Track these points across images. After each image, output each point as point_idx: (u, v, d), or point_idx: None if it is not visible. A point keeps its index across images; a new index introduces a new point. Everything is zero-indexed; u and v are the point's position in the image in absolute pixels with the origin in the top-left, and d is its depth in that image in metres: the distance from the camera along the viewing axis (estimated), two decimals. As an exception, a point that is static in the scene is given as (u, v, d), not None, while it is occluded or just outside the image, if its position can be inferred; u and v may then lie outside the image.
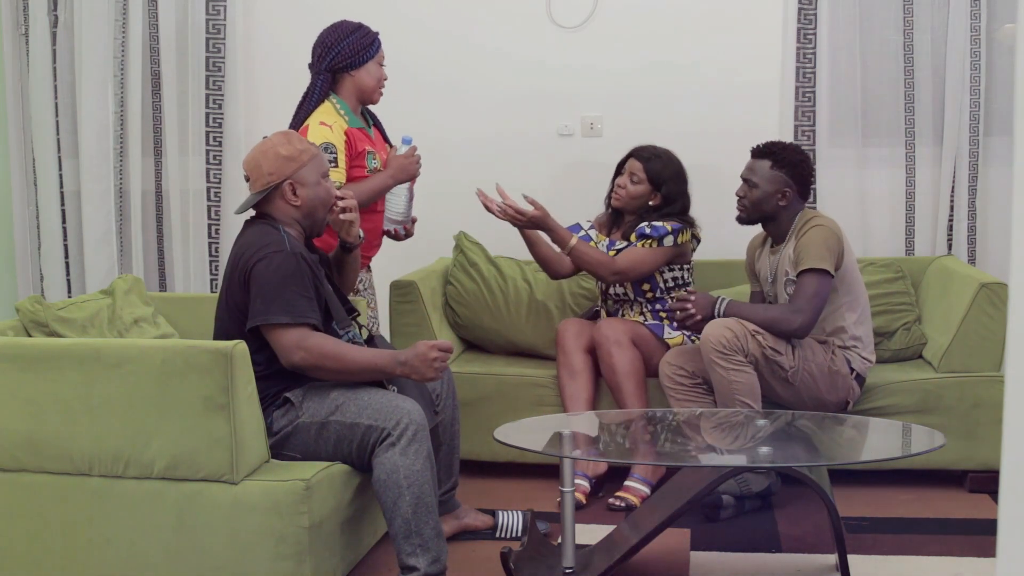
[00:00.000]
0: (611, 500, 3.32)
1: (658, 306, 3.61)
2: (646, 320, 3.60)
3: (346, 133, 3.22)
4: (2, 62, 4.40)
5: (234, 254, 2.69)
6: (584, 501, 3.32)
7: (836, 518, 2.59)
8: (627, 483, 3.37)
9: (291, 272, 2.58)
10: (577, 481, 3.36)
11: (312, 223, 2.78)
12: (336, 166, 3.15)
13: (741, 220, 3.39)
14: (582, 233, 3.69)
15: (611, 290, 3.65)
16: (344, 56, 3.25)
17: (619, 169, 3.67)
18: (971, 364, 3.41)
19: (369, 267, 3.50)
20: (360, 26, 3.31)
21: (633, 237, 3.54)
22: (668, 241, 3.50)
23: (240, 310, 2.64)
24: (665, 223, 3.51)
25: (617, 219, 3.70)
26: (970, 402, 3.38)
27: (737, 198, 3.37)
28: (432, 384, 2.92)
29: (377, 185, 3.24)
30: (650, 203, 3.58)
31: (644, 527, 2.62)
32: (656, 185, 3.56)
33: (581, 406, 3.43)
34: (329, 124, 3.19)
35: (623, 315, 3.65)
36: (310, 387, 2.65)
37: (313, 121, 3.20)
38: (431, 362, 2.59)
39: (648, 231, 3.50)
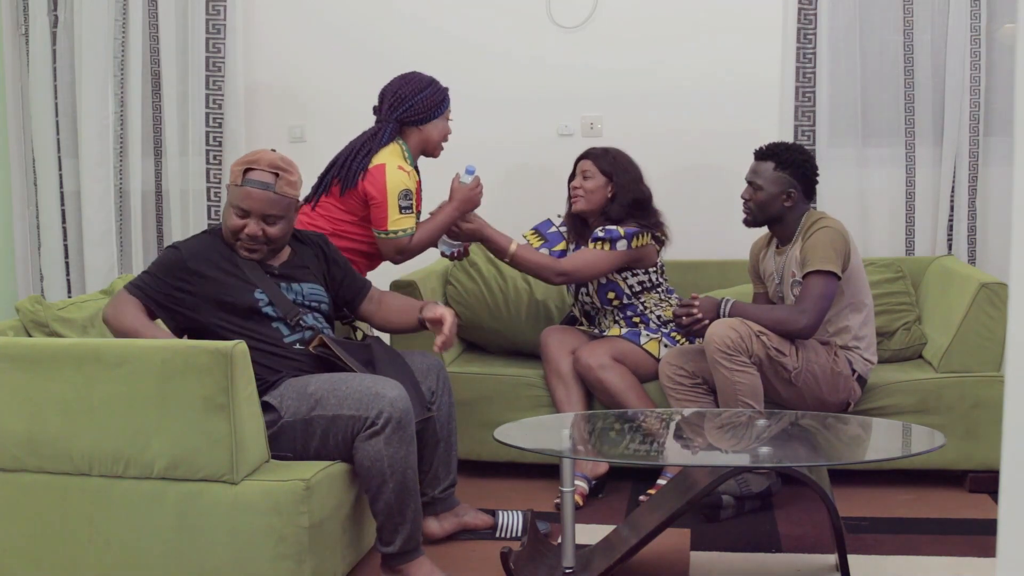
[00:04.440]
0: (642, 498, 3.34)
1: (629, 312, 3.60)
2: (621, 328, 3.60)
3: (417, 185, 3.32)
4: (2, 62, 4.40)
5: None
6: (581, 503, 3.32)
7: (836, 518, 2.59)
8: (660, 481, 3.37)
9: (160, 261, 2.77)
10: (576, 483, 3.36)
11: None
12: (412, 212, 3.24)
13: (748, 223, 3.39)
14: (552, 229, 3.72)
15: (579, 297, 3.66)
16: (417, 111, 3.31)
17: (571, 176, 3.68)
18: (971, 364, 3.41)
19: None
20: (433, 81, 3.36)
21: (590, 244, 3.53)
22: (621, 245, 3.47)
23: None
24: (619, 227, 3.49)
25: (583, 229, 3.67)
26: (970, 402, 3.38)
27: (743, 201, 3.37)
28: (428, 382, 2.93)
29: (446, 220, 3.34)
30: (607, 196, 3.58)
31: (644, 527, 2.62)
32: (608, 176, 3.57)
33: (574, 409, 3.43)
34: (407, 170, 3.25)
35: (599, 322, 3.66)
36: (287, 386, 2.66)
37: (391, 163, 3.23)
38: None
39: (601, 234, 3.49)
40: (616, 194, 3.56)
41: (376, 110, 3.37)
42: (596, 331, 3.67)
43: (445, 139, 3.41)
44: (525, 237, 3.75)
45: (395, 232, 3.23)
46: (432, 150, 3.40)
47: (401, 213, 3.21)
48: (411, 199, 3.23)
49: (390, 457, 2.54)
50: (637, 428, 3.01)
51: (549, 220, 3.76)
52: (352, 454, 2.60)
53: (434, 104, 3.32)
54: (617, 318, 3.61)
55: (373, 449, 2.54)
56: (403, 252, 3.28)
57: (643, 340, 3.52)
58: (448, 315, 2.87)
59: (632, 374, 3.43)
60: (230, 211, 2.78)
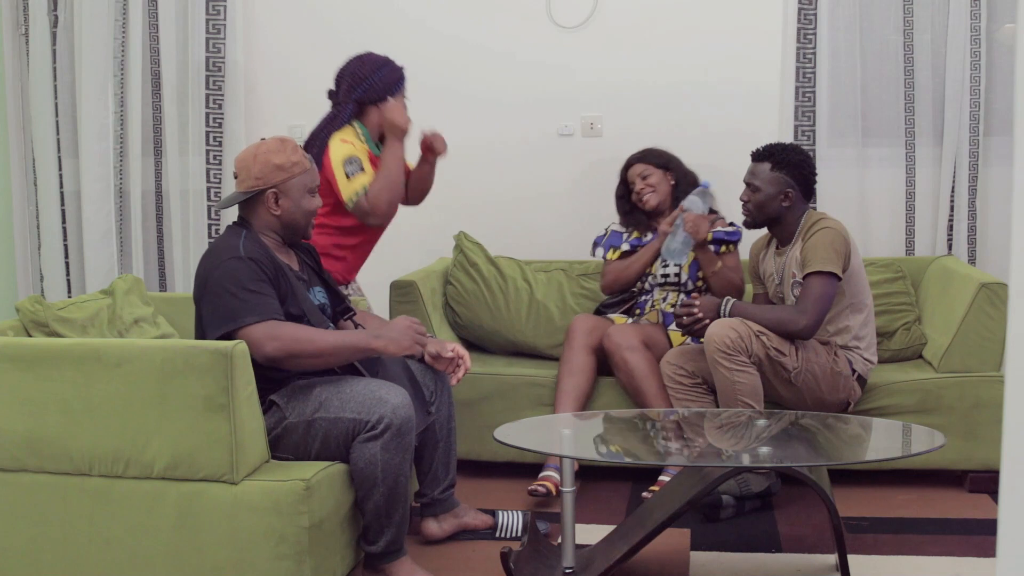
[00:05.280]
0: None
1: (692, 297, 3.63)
2: (675, 310, 3.63)
3: (367, 154, 3.25)
4: (2, 62, 4.40)
5: (200, 265, 2.70)
6: (555, 492, 3.34)
7: (836, 518, 2.59)
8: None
9: (245, 275, 2.59)
10: (550, 473, 3.39)
11: (290, 234, 2.79)
12: (363, 171, 3.19)
13: (747, 224, 3.40)
14: (618, 230, 3.82)
15: (664, 269, 3.68)
16: (376, 89, 3.29)
17: (623, 185, 3.79)
18: (971, 364, 3.41)
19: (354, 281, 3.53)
20: (388, 60, 3.34)
21: (708, 235, 3.60)
22: (740, 242, 3.67)
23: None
24: (732, 227, 3.67)
25: (649, 221, 3.78)
26: (970, 402, 3.38)
27: (742, 203, 3.37)
28: (426, 382, 2.93)
29: (392, 153, 3.19)
30: (671, 184, 3.74)
31: (644, 527, 2.62)
32: (664, 167, 3.73)
33: (570, 404, 3.43)
34: (350, 141, 3.23)
35: (665, 296, 3.68)
36: (293, 387, 2.65)
37: (334, 140, 3.22)
38: (406, 330, 2.65)
39: (724, 236, 3.63)
40: (679, 181, 3.73)
41: (331, 94, 3.34)
42: (632, 319, 3.72)
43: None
44: (607, 259, 3.79)
45: (351, 198, 3.17)
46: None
47: (349, 178, 3.16)
48: (357, 162, 3.17)
49: (385, 462, 2.55)
50: (637, 428, 3.01)
51: (614, 232, 3.83)
52: (349, 455, 2.61)
53: (392, 82, 3.30)
54: (677, 301, 3.65)
55: (369, 452, 2.54)
56: (372, 212, 3.17)
57: (672, 327, 3.57)
58: (462, 349, 2.92)
59: (655, 363, 3.46)
60: (307, 197, 2.75)
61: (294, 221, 2.76)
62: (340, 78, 3.33)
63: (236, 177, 2.77)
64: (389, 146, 3.22)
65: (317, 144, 3.25)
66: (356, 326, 2.94)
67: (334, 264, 3.31)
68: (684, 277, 3.66)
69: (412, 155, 3.52)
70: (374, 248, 3.47)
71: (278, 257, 2.72)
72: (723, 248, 3.65)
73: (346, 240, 3.32)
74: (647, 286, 3.74)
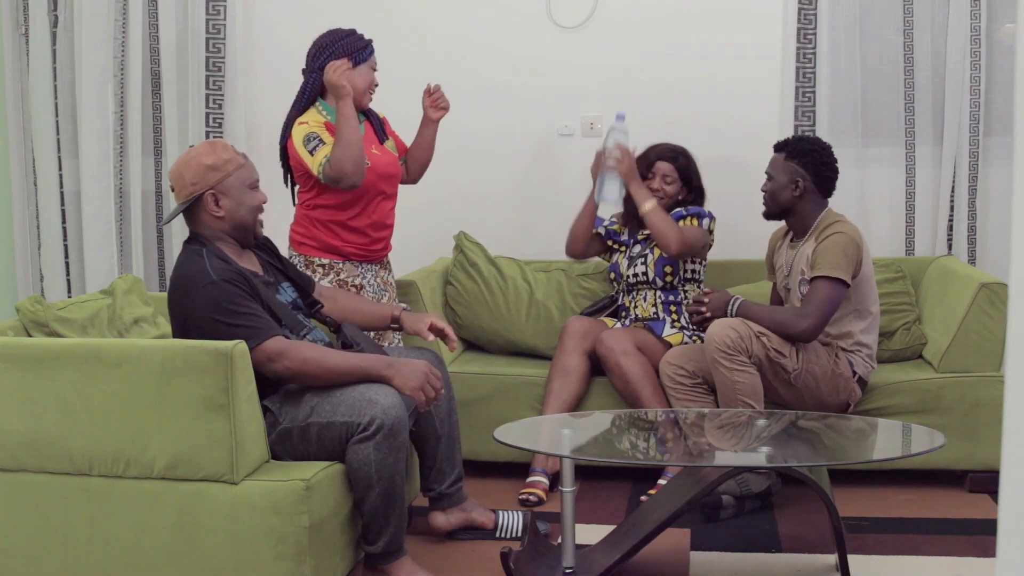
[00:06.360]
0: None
1: (670, 296, 3.62)
2: (656, 310, 3.62)
3: (324, 125, 3.27)
4: (2, 62, 4.40)
5: (170, 287, 2.71)
6: (545, 498, 3.36)
7: (836, 518, 2.59)
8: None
9: (228, 299, 2.57)
10: (537, 479, 3.39)
11: (242, 234, 2.77)
12: (323, 143, 3.21)
13: (765, 215, 3.44)
14: (607, 222, 3.83)
15: (632, 270, 3.68)
16: (338, 55, 3.29)
17: (643, 173, 3.69)
18: (971, 364, 3.41)
19: (388, 264, 3.53)
20: (354, 31, 3.36)
21: (683, 221, 3.63)
22: (706, 223, 3.63)
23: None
24: (698, 208, 3.67)
25: (640, 220, 3.72)
26: (970, 402, 3.38)
27: (762, 194, 3.40)
28: None
29: (341, 112, 3.19)
30: (679, 198, 3.72)
31: (644, 527, 2.62)
32: (686, 181, 3.70)
33: (560, 406, 3.43)
34: (305, 121, 3.27)
35: (643, 296, 3.68)
36: (285, 392, 2.66)
37: (294, 128, 3.28)
38: (419, 375, 2.62)
39: (685, 213, 3.62)
40: (687, 199, 3.70)
41: (304, 71, 3.37)
42: (623, 323, 3.70)
43: (372, 89, 3.38)
44: None
45: (319, 170, 3.21)
46: (358, 99, 3.33)
47: (312, 154, 3.22)
48: (315, 138, 3.22)
49: (378, 463, 2.55)
50: (637, 428, 3.01)
51: (600, 219, 3.83)
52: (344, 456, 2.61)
53: (356, 50, 3.31)
54: (657, 300, 3.64)
55: (363, 453, 2.54)
56: (340, 177, 3.17)
57: (666, 332, 3.55)
58: (441, 322, 2.96)
59: (650, 365, 3.45)
60: (249, 193, 2.74)
61: (241, 220, 2.74)
62: (308, 53, 3.37)
63: (173, 191, 2.76)
64: (338, 110, 3.22)
65: (284, 133, 3.32)
66: (332, 324, 2.94)
67: (351, 236, 3.33)
68: (652, 275, 3.65)
69: (408, 135, 3.55)
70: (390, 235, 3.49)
71: (244, 267, 2.71)
72: (682, 222, 3.62)
73: (344, 215, 3.33)
74: (625, 286, 3.73)
